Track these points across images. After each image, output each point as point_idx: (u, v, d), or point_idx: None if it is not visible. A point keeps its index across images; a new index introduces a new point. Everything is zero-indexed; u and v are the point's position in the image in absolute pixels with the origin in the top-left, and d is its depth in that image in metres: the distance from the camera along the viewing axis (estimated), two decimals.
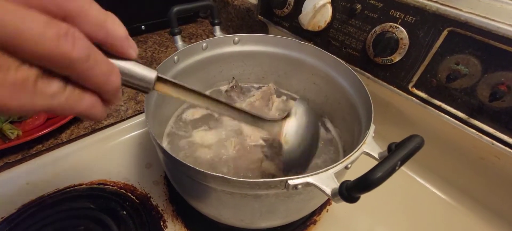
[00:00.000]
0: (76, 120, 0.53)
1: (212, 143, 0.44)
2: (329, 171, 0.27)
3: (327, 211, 0.45)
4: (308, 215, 0.44)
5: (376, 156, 0.29)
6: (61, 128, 0.50)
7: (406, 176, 0.51)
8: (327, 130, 0.48)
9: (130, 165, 0.49)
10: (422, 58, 0.41)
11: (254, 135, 0.45)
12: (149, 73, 0.20)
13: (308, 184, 0.26)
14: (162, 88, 0.22)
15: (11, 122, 0.47)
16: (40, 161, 0.46)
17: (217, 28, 0.49)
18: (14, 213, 0.41)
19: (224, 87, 0.53)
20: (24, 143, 0.46)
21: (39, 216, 0.41)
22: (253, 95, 0.51)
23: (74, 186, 0.45)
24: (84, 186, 0.45)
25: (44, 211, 0.41)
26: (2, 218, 0.40)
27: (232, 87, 0.50)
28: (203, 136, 0.45)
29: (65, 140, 0.49)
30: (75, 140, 0.50)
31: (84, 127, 0.52)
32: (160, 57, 0.74)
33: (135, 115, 0.56)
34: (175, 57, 0.42)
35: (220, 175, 0.26)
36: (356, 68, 0.48)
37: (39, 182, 0.44)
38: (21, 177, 0.44)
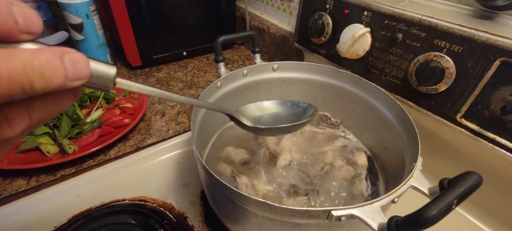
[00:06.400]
0: (123, 138, 0.57)
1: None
2: (375, 204, 0.26)
3: None
4: None
5: (426, 191, 0.28)
6: (110, 146, 0.55)
7: (458, 215, 0.47)
8: (367, 158, 0.46)
9: (169, 183, 0.51)
10: (471, 88, 0.39)
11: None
12: (110, 69, 0.18)
13: (352, 217, 0.26)
14: (120, 83, 0.20)
15: (69, 138, 0.52)
16: (91, 175, 0.50)
17: (258, 55, 0.51)
18: (65, 223, 0.44)
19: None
20: (78, 158, 0.51)
21: (86, 228, 0.44)
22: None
23: (118, 200, 0.48)
24: (127, 201, 0.48)
25: (90, 224, 0.44)
26: (54, 227, 0.43)
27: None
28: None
29: (113, 157, 0.53)
30: (122, 157, 0.53)
31: (129, 145, 0.56)
32: (199, 81, 0.78)
33: (175, 135, 0.59)
34: (218, 83, 0.45)
35: (262, 200, 0.27)
36: (396, 96, 0.47)
37: (88, 195, 0.48)
38: (73, 189, 0.48)
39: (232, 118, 0.34)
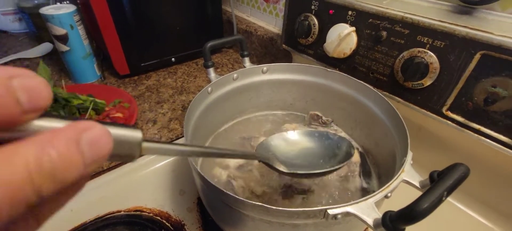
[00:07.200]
0: None
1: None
2: (369, 200, 0.27)
3: None
4: None
5: (417, 184, 0.29)
6: None
7: (448, 204, 0.48)
8: (360, 155, 0.47)
9: (164, 192, 0.50)
10: (455, 81, 0.40)
11: None
12: (135, 133, 0.15)
13: (348, 214, 0.26)
14: (148, 149, 0.16)
15: None
16: (84, 188, 0.49)
17: (247, 59, 0.51)
18: None
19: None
20: None
21: None
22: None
23: (113, 212, 0.47)
24: (122, 212, 0.47)
25: None
26: None
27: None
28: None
29: (105, 168, 0.53)
30: (115, 168, 0.53)
31: None
32: (189, 87, 0.78)
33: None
34: (209, 88, 0.45)
35: (259, 203, 0.27)
36: (384, 92, 0.48)
37: (82, 208, 0.47)
38: (66, 204, 0.47)
39: (265, 163, 0.31)
